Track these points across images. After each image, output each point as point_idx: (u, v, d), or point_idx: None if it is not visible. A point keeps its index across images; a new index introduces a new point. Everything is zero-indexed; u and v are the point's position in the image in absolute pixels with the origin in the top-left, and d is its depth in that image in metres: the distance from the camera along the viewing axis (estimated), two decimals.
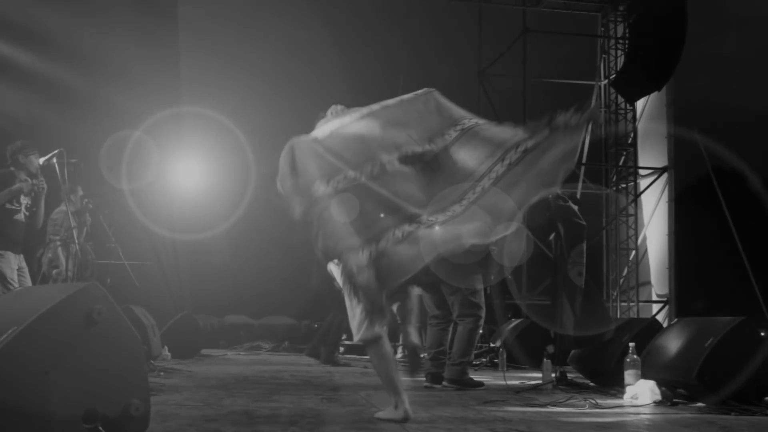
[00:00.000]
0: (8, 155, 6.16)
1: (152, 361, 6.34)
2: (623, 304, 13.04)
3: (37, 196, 6.19)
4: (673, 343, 5.06)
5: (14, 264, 6.01)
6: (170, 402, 4.18)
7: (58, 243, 7.28)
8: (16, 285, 5.84)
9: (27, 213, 6.17)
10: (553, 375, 5.75)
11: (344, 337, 9.47)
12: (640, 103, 13.04)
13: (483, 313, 5.65)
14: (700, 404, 4.57)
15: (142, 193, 10.03)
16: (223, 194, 11.76)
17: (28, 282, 6.16)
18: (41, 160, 6.09)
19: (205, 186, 12.22)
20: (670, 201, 12.29)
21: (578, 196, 10.35)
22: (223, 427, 3.25)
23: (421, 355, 5.79)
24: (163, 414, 3.62)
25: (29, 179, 6.07)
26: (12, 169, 6.10)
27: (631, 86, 11.37)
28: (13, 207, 6.06)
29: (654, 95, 12.29)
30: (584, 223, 5.64)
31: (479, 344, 7.94)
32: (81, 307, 2.13)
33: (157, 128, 10.30)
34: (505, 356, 7.74)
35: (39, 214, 6.26)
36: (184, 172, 12.23)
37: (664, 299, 12.16)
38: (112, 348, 2.18)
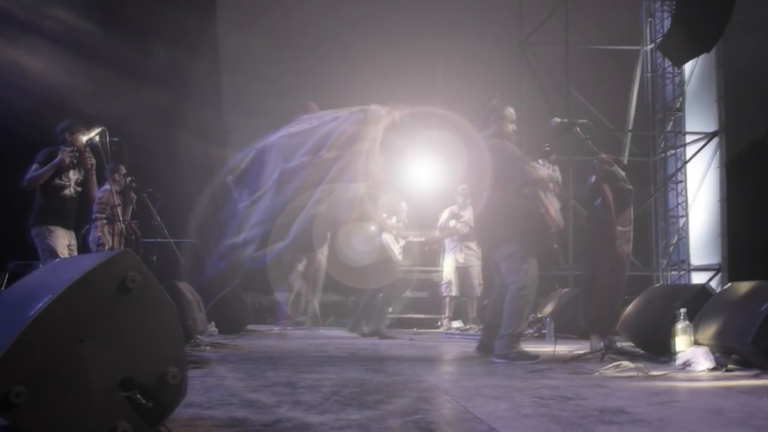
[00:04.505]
0: (56, 133, 6.25)
1: (198, 336, 6.38)
2: (674, 273, 12.78)
3: (87, 172, 6.26)
4: (726, 308, 4.91)
5: (65, 239, 6.10)
6: (214, 374, 4.19)
7: (104, 221, 7.37)
8: None
9: (78, 188, 6.25)
10: (602, 344, 5.62)
11: (390, 309, 9.44)
12: (687, 67, 12.68)
13: (526, 282, 5.45)
14: (756, 371, 4.42)
15: None
16: None
17: None
18: (84, 139, 6.15)
19: None
20: (721, 167, 11.95)
21: (625, 162, 10.11)
22: (265, 397, 3.23)
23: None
24: (206, 385, 3.62)
25: (68, 151, 6.12)
26: (59, 146, 6.18)
27: (678, 49, 11.04)
28: (62, 182, 6.14)
29: (702, 58, 11.93)
30: (631, 187, 5.48)
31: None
32: (114, 275, 2.10)
33: None
34: (552, 326, 7.63)
35: (91, 189, 6.34)
36: None
37: (715, 267, 11.88)
38: (147, 316, 2.15)
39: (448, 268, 9.71)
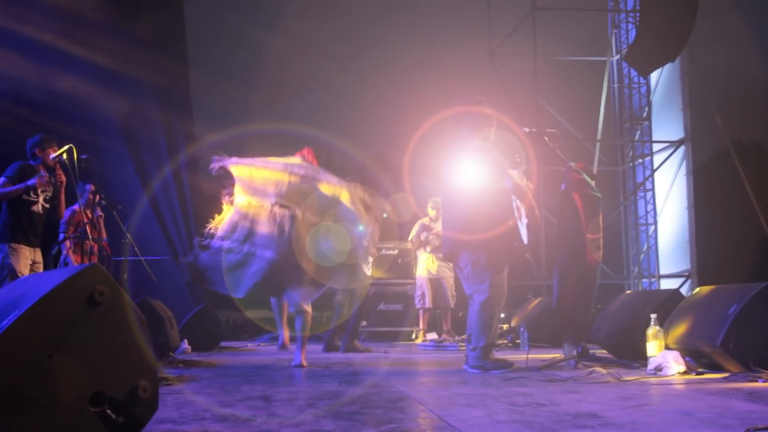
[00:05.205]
0: (27, 148, 6.19)
1: (171, 353, 6.32)
2: (645, 280, 12.92)
3: (56, 190, 6.21)
4: (695, 312, 4.98)
5: (28, 258, 6.01)
6: (187, 390, 4.15)
7: (73, 241, 7.29)
8: None
9: (47, 205, 6.18)
10: (575, 351, 5.66)
11: (364, 323, 9.42)
12: (654, 77, 12.88)
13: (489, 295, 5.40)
14: (725, 373, 4.48)
15: None
16: None
17: None
18: (54, 156, 6.10)
19: None
20: (688, 174, 12.11)
21: (594, 171, 10.22)
22: (240, 411, 3.22)
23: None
24: (179, 401, 3.59)
25: (46, 174, 6.07)
26: (32, 162, 6.12)
27: (644, 59, 11.22)
28: (30, 198, 6.07)
29: (668, 68, 12.12)
30: (600, 195, 5.54)
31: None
32: (83, 289, 2.09)
33: None
34: (526, 336, 7.67)
35: (59, 207, 6.28)
36: None
37: (685, 274, 12.02)
38: (117, 329, 2.14)
39: (420, 281, 9.72)
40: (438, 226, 9.54)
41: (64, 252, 7.29)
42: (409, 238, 9.88)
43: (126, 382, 2.13)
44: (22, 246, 6.00)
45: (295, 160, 6.85)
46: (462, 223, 5.32)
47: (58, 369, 2.01)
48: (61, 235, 7.26)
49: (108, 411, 2.08)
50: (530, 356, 5.78)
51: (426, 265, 9.69)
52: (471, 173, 5.30)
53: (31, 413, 1.94)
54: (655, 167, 12.81)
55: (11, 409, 1.91)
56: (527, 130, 5.67)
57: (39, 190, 6.09)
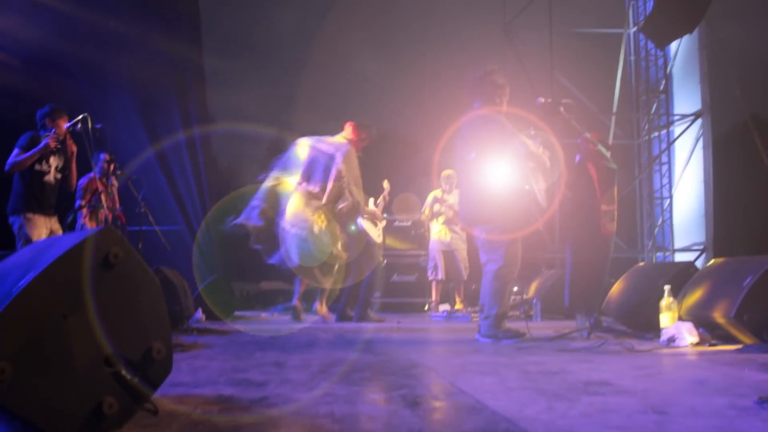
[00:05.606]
0: (37, 119, 6.20)
1: (186, 322, 6.37)
2: (659, 254, 12.86)
3: (67, 160, 6.23)
4: (710, 284, 4.95)
5: (43, 228, 6.05)
6: (201, 356, 4.18)
7: (89, 209, 7.33)
8: None
9: (59, 175, 6.21)
10: (588, 322, 5.66)
11: (377, 294, 9.46)
12: (671, 49, 12.72)
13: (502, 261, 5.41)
14: (739, 344, 4.46)
15: None
16: None
17: None
18: (66, 125, 6.11)
19: None
20: (705, 147, 12.00)
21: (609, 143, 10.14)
22: (253, 376, 3.24)
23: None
24: (193, 366, 3.63)
25: (55, 139, 6.08)
26: (42, 132, 6.13)
27: (661, 31, 11.04)
28: (42, 169, 6.09)
29: (686, 40, 11.96)
30: (615, 166, 5.50)
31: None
32: (97, 251, 2.09)
33: None
34: (539, 307, 7.67)
35: (71, 177, 6.30)
36: None
37: (699, 248, 11.96)
38: (131, 291, 2.15)
39: (433, 252, 9.73)
40: (451, 198, 9.53)
41: (81, 220, 7.33)
42: (423, 210, 9.88)
43: (140, 344, 2.15)
44: (37, 215, 6.04)
45: (340, 139, 7.16)
46: (477, 192, 5.33)
47: (73, 330, 2.02)
48: (78, 202, 7.30)
49: (122, 372, 2.09)
50: (543, 328, 5.78)
51: (439, 236, 9.69)
52: (485, 144, 5.29)
53: (47, 373, 1.96)
54: (671, 140, 12.70)
55: (28, 369, 1.92)
56: (542, 100, 5.61)
57: (51, 159, 6.11)
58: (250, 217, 7.31)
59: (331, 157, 7.32)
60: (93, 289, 2.08)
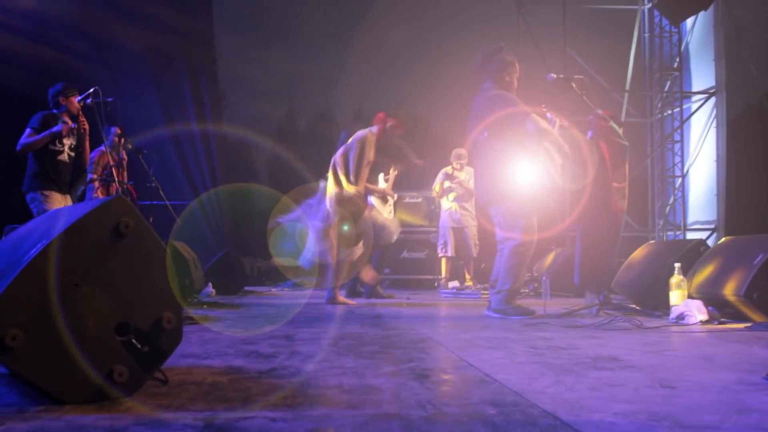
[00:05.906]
0: (50, 98, 6.21)
1: (196, 295, 6.41)
2: (670, 233, 12.82)
3: (80, 138, 6.25)
4: (720, 262, 4.94)
5: (62, 204, 6.10)
6: (211, 329, 4.21)
7: (100, 182, 7.35)
8: None
9: (72, 153, 6.24)
10: (598, 299, 5.66)
11: (387, 270, 9.47)
12: (687, 25, 12.58)
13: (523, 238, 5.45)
14: (748, 323, 4.46)
15: None
16: None
17: None
18: (77, 99, 6.12)
19: None
20: (719, 126, 11.90)
21: (622, 119, 10.07)
22: (263, 348, 3.26)
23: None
24: (203, 338, 3.65)
25: (69, 121, 6.12)
26: (54, 111, 6.15)
27: (676, 7, 10.95)
28: (56, 148, 6.13)
29: (701, 17, 11.83)
30: (626, 143, 5.47)
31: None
32: (108, 220, 2.10)
33: None
34: (548, 285, 7.67)
35: (84, 155, 6.33)
36: None
37: (711, 227, 11.90)
38: (141, 261, 2.16)
39: (443, 229, 9.73)
40: (461, 175, 9.51)
41: (92, 193, 7.37)
42: (433, 187, 9.87)
43: (151, 313, 2.16)
44: (54, 192, 6.09)
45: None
46: (492, 172, 5.34)
47: (84, 298, 2.04)
48: (90, 176, 7.33)
49: (133, 340, 2.11)
50: (553, 305, 5.78)
51: (449, 213, 9.68)
52: (497, 123, 5.28)
53: (58, 341, 1.98)
54: (684, 119, 12.60)
55: (39, 337, 1.94)
56: (554, 75, 5.58)
57: (64, 139, 6.14)
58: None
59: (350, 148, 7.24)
60: (104, 258, 2.09)
